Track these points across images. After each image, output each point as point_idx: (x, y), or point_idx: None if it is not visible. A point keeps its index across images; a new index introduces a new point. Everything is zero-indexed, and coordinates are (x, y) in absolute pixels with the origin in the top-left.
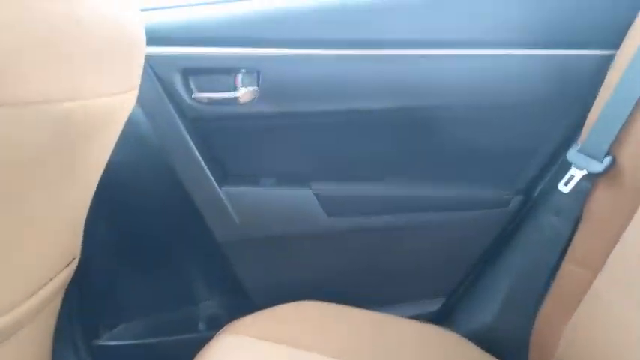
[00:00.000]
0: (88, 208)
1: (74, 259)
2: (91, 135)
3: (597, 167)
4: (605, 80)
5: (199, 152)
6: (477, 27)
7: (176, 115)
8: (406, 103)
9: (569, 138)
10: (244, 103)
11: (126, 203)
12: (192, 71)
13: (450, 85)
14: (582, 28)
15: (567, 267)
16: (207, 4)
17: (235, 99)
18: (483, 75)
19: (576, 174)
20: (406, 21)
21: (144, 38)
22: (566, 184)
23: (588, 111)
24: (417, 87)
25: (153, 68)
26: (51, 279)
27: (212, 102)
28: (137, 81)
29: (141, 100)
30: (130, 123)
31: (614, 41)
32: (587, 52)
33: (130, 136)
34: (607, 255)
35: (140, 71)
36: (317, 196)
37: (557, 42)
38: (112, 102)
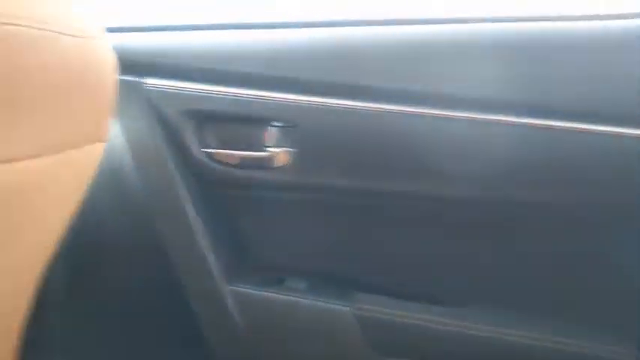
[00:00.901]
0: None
1: None
2: (25, 202)
3: None
4: None
5: (204, 229)
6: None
7: (177, 173)
8: (507, 193)
9: None
10: (274, 168)
11: (98, 287)
12: (206, 116)
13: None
14: None
15: None
16: (229, 27)
17: (262, 161)
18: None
19: None
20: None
21: (113, 77)
22: None
23: None
24: (517, 167)
25: (156, 106)
26: None
27: (230, 161)
28: (103, 132)
29: (133, 145)
30: (113, 173)
31: None
32: None
33: (111, 191)
34: None
35: (108, 118)
36: (360, 318)
37: None
38: (54, 162)
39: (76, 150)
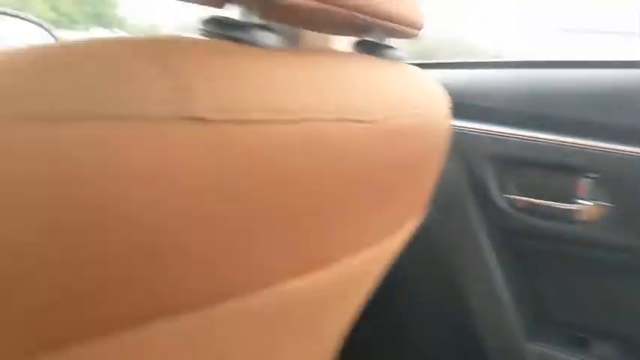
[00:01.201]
0: None
1: None
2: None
3: None
4: None
5: (503, 278)
6: None
7: (478, 218)
8: None
9: None
10: (583, 223)
11: (397, 325)
12: (511, 162)
13: None
14: None
15: None
16: (541, 66)
17: (570, 214)
18: None
19: None
20: None
21: (443, 150)
22: None
23: None
24: None
25: (459, 149)
26: None
27: (534, 211)
28: (423, 207)
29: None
30: None
31: None
32: None
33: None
34: None
35: (430, 193)
36: None
37: None
38: (371, 254)
39: (394, 234)
